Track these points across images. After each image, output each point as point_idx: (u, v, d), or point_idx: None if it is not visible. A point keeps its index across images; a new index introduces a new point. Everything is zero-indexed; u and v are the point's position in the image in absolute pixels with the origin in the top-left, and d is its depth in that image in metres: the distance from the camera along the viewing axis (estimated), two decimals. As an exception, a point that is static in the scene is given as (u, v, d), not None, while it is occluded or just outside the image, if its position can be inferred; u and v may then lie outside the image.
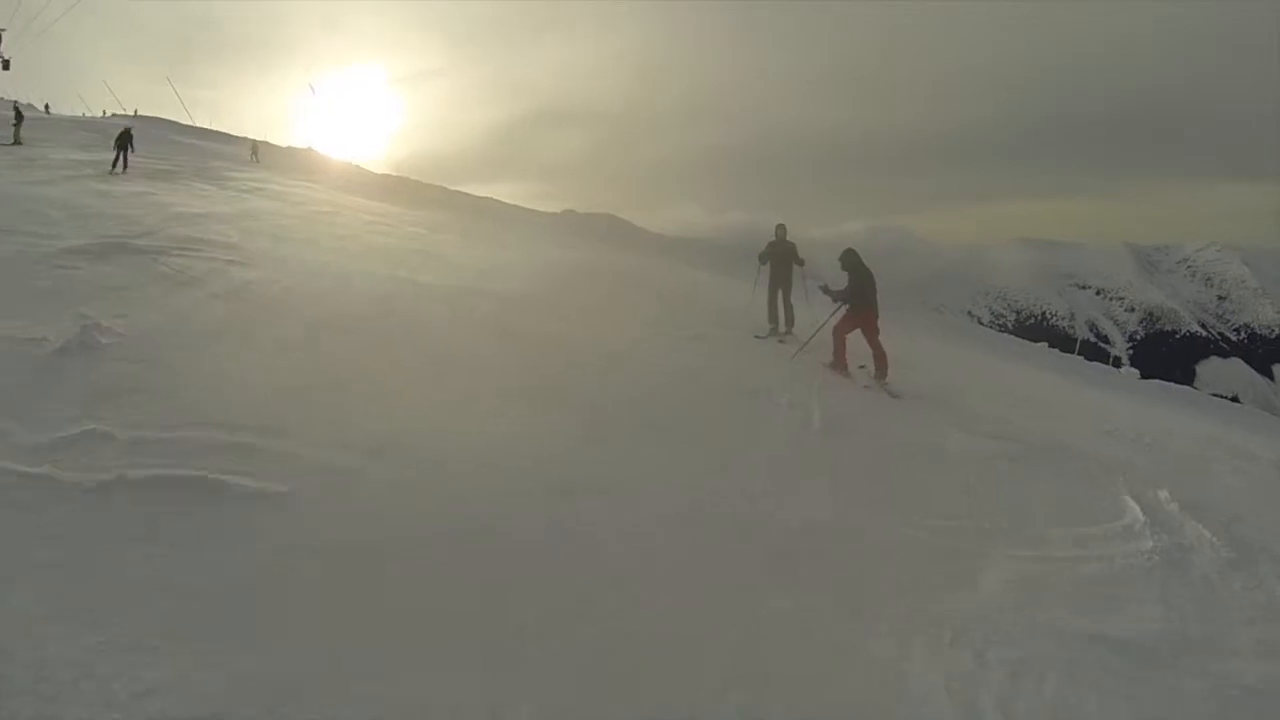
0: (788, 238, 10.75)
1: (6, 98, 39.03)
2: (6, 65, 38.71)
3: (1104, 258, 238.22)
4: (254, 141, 35.27)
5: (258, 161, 30.08)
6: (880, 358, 8.34)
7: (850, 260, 8.54)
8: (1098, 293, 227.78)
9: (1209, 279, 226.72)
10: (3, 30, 37.28)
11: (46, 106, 36.51)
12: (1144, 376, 21.16)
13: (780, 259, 10.60)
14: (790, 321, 10.61)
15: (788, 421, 6.64)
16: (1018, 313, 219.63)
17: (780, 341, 10.09)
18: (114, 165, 17.01)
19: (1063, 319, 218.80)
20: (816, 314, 9.49)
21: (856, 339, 8.46)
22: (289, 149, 41.92)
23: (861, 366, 8.64)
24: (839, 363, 8.58)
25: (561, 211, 50.20)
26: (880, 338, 8.34)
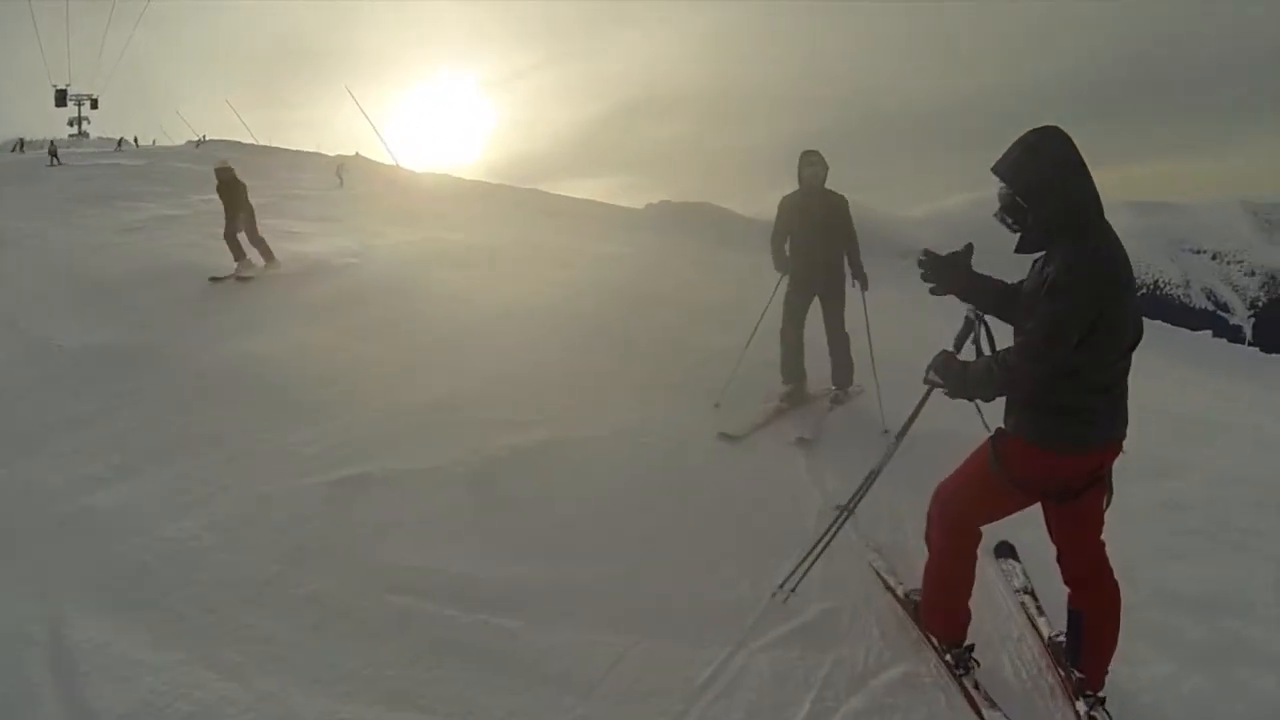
0: (827, 183, 5.04)
1: (105, 136, 38.63)
2: (95, 104, 39.11)
3: (1219, 218, 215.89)
4: (340, 160, 27.59)
5: (341, 184, 23.07)
6: (1101, 609, 2.42)
7: (1056, 210, 2.18)
8: (1213, 257, 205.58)
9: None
10: (68, 86, 37.85)
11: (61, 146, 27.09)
12: (1267, 346, 16.90)
13: (810, 234, 5.01)
14: (844, 378, 5.16)
15: None
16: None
17: (802, 443, 4.39)
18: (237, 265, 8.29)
19: (1177, 287, 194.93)
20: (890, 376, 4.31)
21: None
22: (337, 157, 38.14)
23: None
24: (941, 620, 2.65)
25: (658, 203, 45.48)
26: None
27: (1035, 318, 2.17)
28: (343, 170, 25.16)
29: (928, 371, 2.43)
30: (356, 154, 38.67)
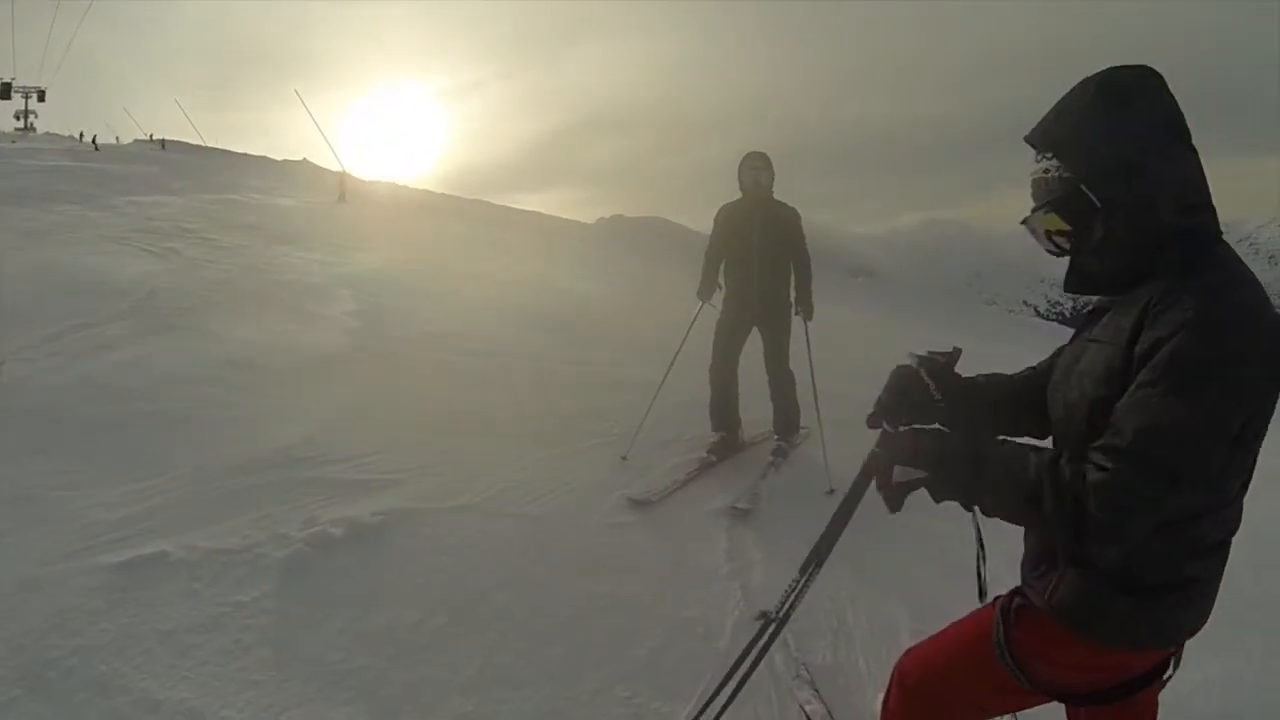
0: (773, 191, 4.16)
1: (53, 131, 36.48)
2: (41, 97, 36.87)
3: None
4: (341, 175, 23.95)
5: (342, 198, 18.97)
6: None
7: (1159, 214, 1.16)
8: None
9: (1272, 256, 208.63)
10: (12, 80, 35.75)
11: None
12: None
13: (748, 251, 4.11)
14: (788, 426, 4.23)
15: None
16: (1074, 300, 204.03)
17: (736, 512, 3.42)
18: None
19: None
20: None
21: None
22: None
23: None
24: None
25: (610, 217, 44.49)
26: None
27: (1136, 426, 1.08)
28: (345, 185, 22.20)
29: (885, 465, 1.31)
30: (305, 160, 36.35)
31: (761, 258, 4.08)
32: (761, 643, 1.46)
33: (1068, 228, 1.24)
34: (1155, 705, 1.42)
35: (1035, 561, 1.34)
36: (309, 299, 7.06)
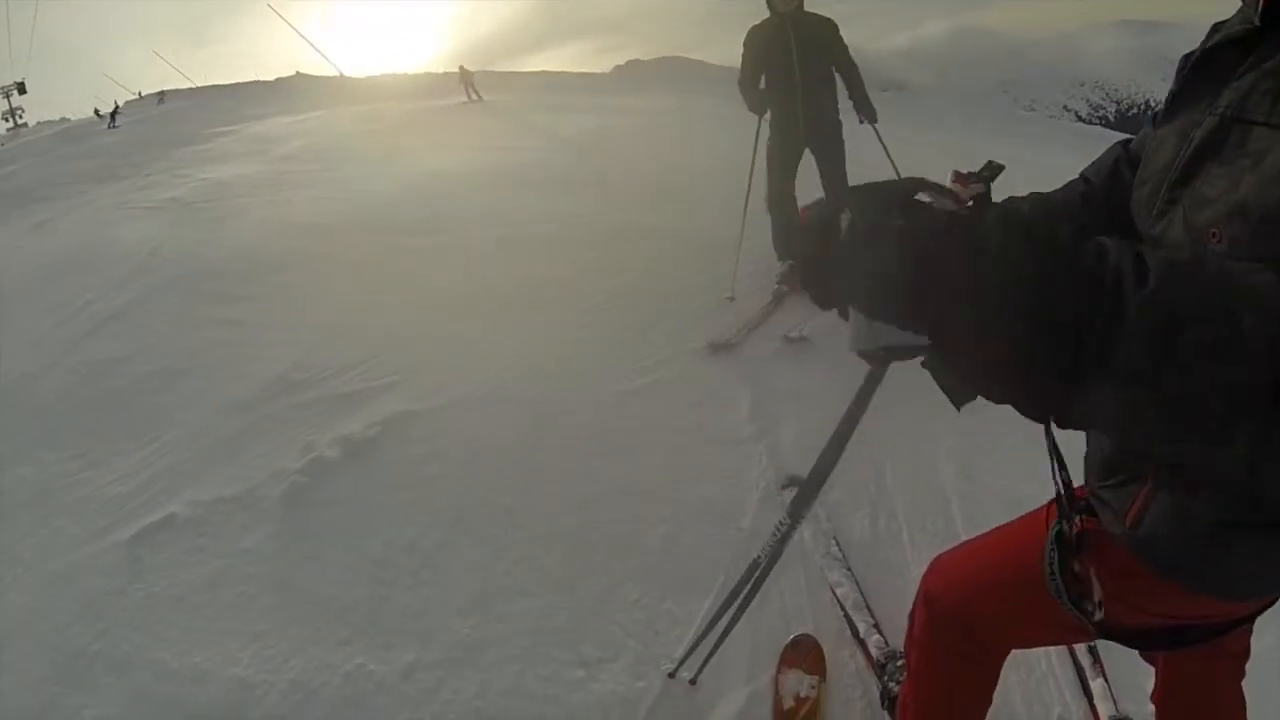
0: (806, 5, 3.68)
1: (46, 119, 35.52)
2: (22, 89, 35.76)
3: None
4: (464, 72, 19.66)
5: (478, 97, 17.26)
6: None
7: None
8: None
9: None
10: None
11: None
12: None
13: (788, 71, 3.64)
14: None
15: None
16: (1118, 103, 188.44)
17: (791, 344, 3.17)
18: None
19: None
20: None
21: None
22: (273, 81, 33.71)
23: None
24: None
25: (625, 63, 42.22)
26: None
27: None
28: (469, 81, 18.68)
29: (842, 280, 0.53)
30: (297, 73, 34.72)
31: (804, 76, 3.66)
32: (746, 589, 1.12)
33: None
34: (1248, 638, 1.01)
35: (1108, 466, 0.87)
36: (306, 210, 6.69)
